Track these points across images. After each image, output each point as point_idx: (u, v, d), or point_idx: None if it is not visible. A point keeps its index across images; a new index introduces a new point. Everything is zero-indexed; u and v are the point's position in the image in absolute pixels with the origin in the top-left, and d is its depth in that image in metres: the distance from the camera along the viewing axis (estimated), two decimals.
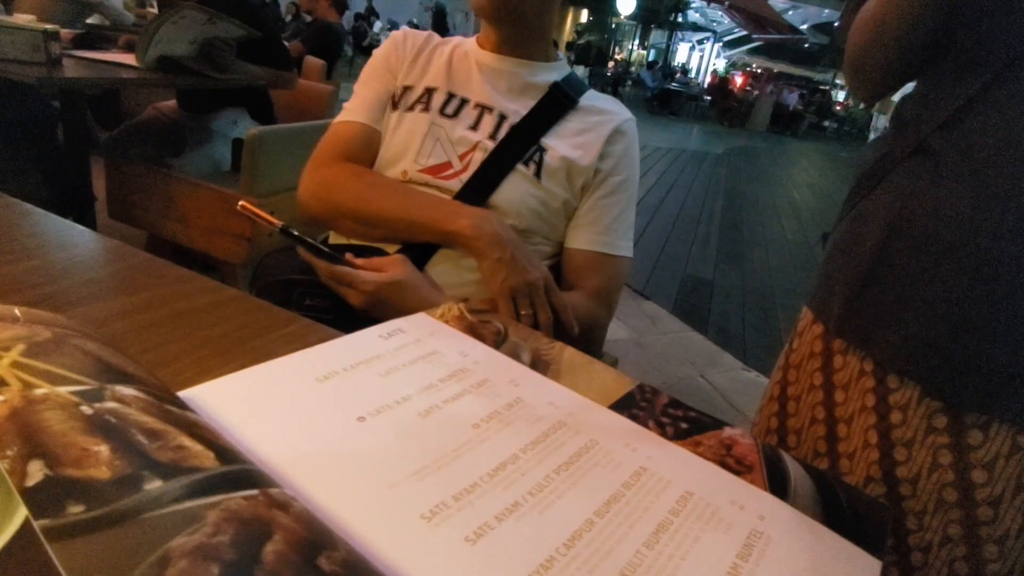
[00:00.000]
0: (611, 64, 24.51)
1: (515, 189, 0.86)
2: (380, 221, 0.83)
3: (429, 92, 0.91)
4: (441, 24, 15.47)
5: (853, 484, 0.66)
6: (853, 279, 0.67)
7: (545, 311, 0.75)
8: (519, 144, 0.87)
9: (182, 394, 0.33)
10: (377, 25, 15.90)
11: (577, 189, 0.90)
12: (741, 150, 12.23)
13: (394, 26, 16.17)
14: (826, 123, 21.82)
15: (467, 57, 0.94)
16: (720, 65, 33.17)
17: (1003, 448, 0.59)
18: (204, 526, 0.21)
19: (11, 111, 2.25)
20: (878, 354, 0.65)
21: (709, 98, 20.60)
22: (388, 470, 0.31)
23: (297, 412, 0.34)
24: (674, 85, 19.23)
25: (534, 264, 0.77)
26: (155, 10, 3.23)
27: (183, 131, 2.29)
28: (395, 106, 0.92)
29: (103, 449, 0.23)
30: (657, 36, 31.97)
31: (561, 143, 0.89)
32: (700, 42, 33.30)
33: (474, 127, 0.89)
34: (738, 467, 0.37)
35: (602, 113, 0.93)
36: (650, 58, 26.97)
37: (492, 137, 0.88)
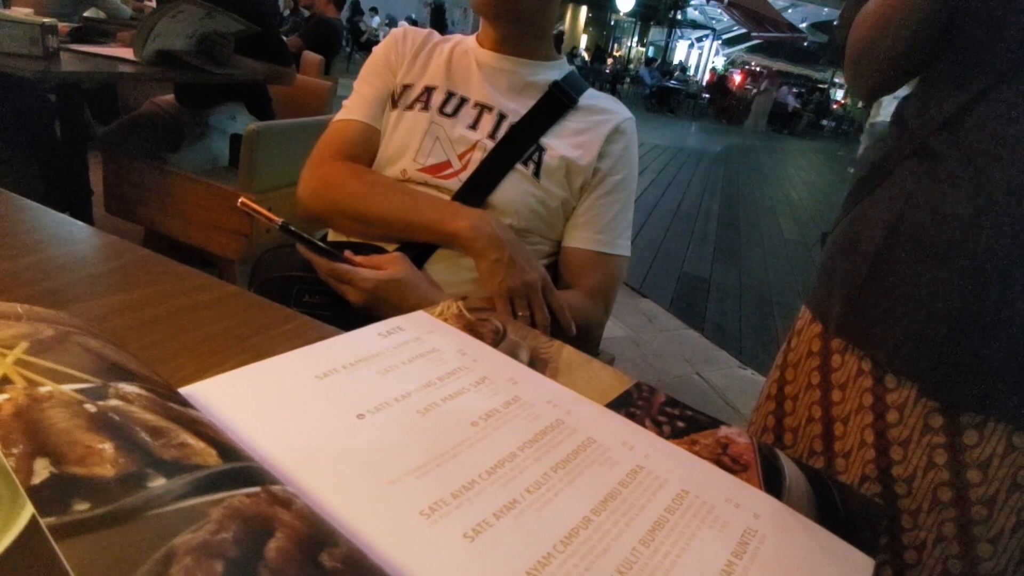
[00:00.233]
0: (610, 61, 24.49)
1: (514, 188, 0.86)
2: (379, 221, 0.83)
3: (428, 91, 0.91)
4: (440, 20, 15.44)
5: (849, 483, 0.67)
6: (853, 279, 0.68)
7: (542, 312, 0.76)
8: (518, 143, 0.88)
9: (183, 391, 0.33)
10: (375, 20, 15.85)
11: (576, 188, 0.90)
12: (739, 148, 12.24)
13: (392, 22, 16.13)
14: (824, 121, 21.84)
15: (467, 55, 0.94)
16: (719, 63, 33.17)
17: (998, 448, 0.60)
18: (208, 523, 0.21)
19: (8, 105, 2.24)
20: (876, 354, 0.66)
21: (708, 96, 20.61)
22: (387, 467, 0.31)
23: (297, 409, 0.34)
24: (673, 83, 19.22)
25: (532, 265, 0.77)
26: (153, 4, 3.22)
27: (181, 126, 2.28)
28: (395, 104, 0.92)
29: (107, 447, 0.23)
30: (656, 33, 31.95)
31: (560, 143, 0.89)
32: (699, 40, 33.27)
33: (473, 126, 0.89)
34: (734, 466, 0.38)
35: (601, 112, 0.94)
36: (649, 55, 26.94)
37: (491, 136, 0.88)
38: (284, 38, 2.77)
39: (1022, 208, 0.55)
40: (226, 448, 0.26)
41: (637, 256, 4.02)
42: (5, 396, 0.24)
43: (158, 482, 0.22)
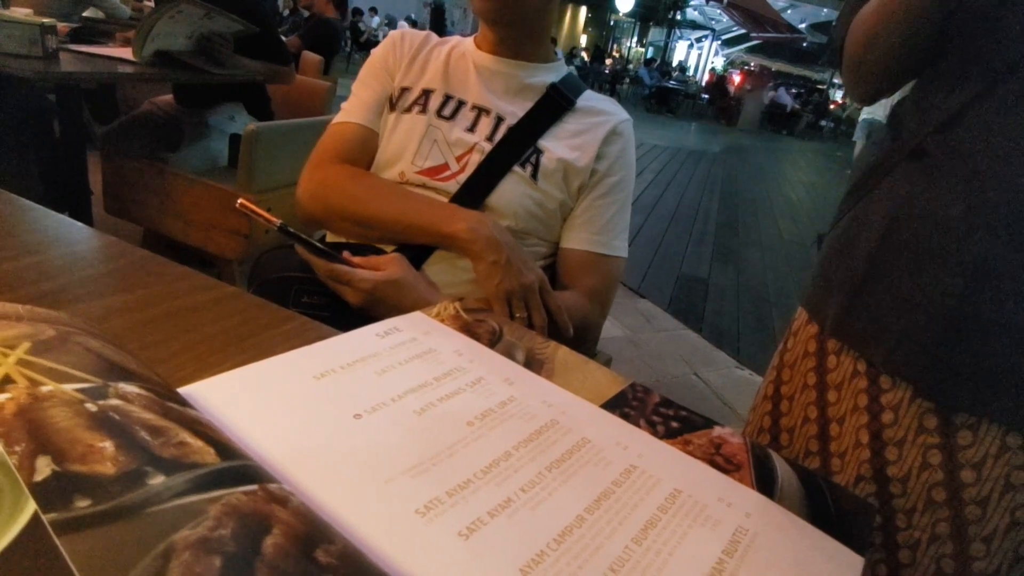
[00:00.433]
0: (609, 61, 24.50)
1: (511, 191, 0.86)
2: (377, 223, 0.83)
3: (426, 94, 0.92)
4: (439, 21, 15.42)
5: (844, 483, 0.68)
6: (849, 281, 0.68)
7: (540, 313, 0.76)
8: (516, 146, 0.88)
9: (182, 390, 0.33)
10: (375, 20, 15.85)
11: (573, 190, 0.91)
12: (738, 148, 12.24)
13: (392, 22, 16.13)
14: (823, 122, 21.85)
15: (464, 58, 0.94)
16: (718, 63, 33.17)
17: (992, 448, 0.60)
18: (206, 520, 0.22)
19: (8, 105, 2.25)
20: (871, 355, 0.66)
21: (707, 96, 20.61)
22: (384, 466, 0.32)
23: (295, 409, 0.35)
24: (672, 83, 19.24)
25: (529, 266, 0.78)
26: (152, 4, 3.22)
27: (180, 126, 2.29)
28: (393, 107, 0.93)
29: (108, 445, 0.23)
30: (655, 34, 31.96)
31: (558, 145, 0.90)
32: (699, 40, 33.26)
33: (471, 129, 0.89)
34: (727, 465, 0.38)
35: (599, 114, 0.94)
36: (648, 56, 26.96)
37: (489, 139, 0.88)
38: (283, 38, 2.78)
39: (1016, 211, 0.56)
40: (224, 447, 0.27)
41: (636, 256, 4.02)
42: (7, 395, 0.25)
43: (157, 480, 0.23)
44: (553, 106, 0.92)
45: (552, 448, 0.36)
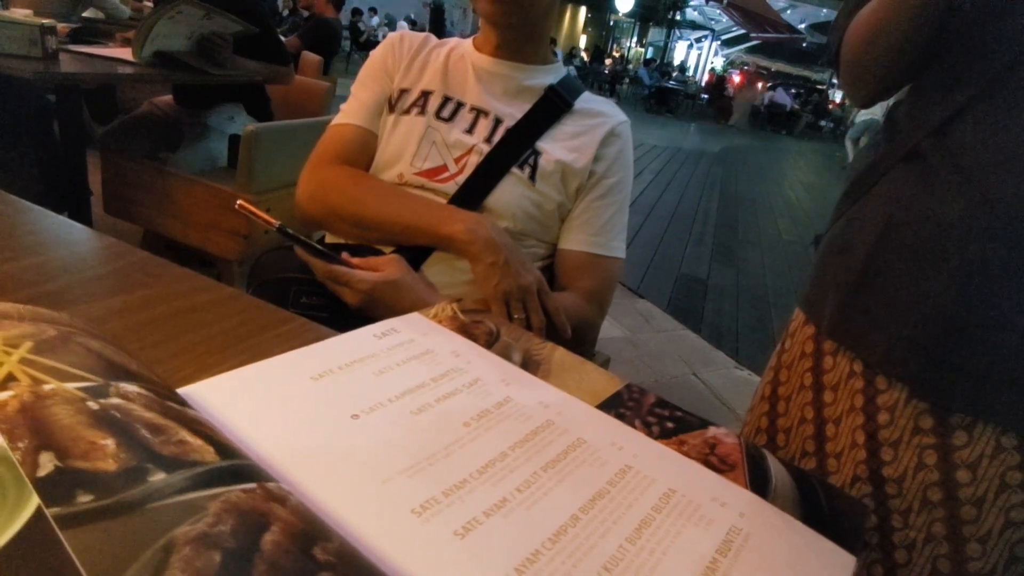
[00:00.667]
0: (608, 61, 24.50)
1: (510, 192, 0.87)
2: (376, 224, 0.84)
3: (425, 95, 0.92)
4: (439, 21, 15.41)
5: (840, 483, 0.68)
6: (845, 282, 0.68)
7: (538, 315, 0.76)
8: (514, 147, 0.88)
9: (181, 391, 0.34)
10: (375, 20, 15.84)
11: (571, 191, 0.91)
12: (738, 149, 12.24)
13: (391, 22, 16.12)
14: (823, 122, 21.86)
15: (463, 60, 0.94)
16: (718, 63, 33.18)
17: (987, 449, 0.60)
18: (206, 516, 0.22)
19: (7, 106, 2.25)
20: (868, 356, 0.66)
21: (706, 96, 20.62)
22: (381, 466, 0.32)
23: (293, 409, 0.35)
24: (672, 83, 19.23)
25: (527, 268, 0.78)
26: (152, 4, 3.23)
27: (179, 126, 2.29)
28: (392, 109, 0.93)
29: (109, 443, 0.24)
30: (655, 34, 31.95)
31: (556, 146, 0.90)
32: (698, 40, 33.27)
33: (470, 130, 0.90)
34: (721, 465, 0.38)
35: (597, 116, 0.94)
36: (648, 56, 26.96)
37: (488, 140, 0.89)
38: (283, 38, 2.78)
39: (1010, 212, 0.56)
40: (223, 446, 0.27)
41: (635, 256, 4.03)
42: (11, 393, 0.25)
43: (158, 477, 0.23)
44: (551, 108, 0.92)
45: (548, 448, 0.36)
